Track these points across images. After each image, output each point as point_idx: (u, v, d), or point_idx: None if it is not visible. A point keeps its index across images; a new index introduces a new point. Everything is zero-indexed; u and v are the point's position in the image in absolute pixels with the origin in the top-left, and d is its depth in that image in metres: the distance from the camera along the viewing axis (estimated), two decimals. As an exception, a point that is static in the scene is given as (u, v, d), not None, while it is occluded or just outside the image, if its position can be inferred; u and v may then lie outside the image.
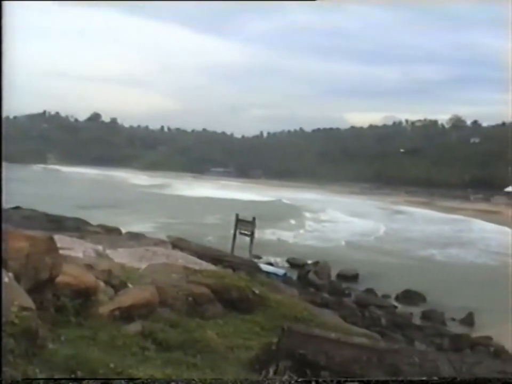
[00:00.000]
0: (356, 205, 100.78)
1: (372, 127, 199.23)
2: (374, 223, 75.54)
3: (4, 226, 6.29)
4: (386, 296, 35.35)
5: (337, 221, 75.68)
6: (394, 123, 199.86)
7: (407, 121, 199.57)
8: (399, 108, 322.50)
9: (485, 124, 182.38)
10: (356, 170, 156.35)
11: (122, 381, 5.85)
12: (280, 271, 34.63)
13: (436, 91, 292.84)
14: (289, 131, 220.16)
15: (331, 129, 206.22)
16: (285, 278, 32.84)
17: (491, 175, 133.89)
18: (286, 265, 41.92)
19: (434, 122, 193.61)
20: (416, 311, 32.36)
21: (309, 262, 41.71)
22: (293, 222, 68.37)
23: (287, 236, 57.02)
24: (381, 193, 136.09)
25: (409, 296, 34.91)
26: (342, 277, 39.81)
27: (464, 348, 24.45)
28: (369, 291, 36.07)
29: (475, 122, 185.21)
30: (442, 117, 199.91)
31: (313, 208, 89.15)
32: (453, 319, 31.55)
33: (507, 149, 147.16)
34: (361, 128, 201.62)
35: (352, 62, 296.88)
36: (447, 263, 48.46)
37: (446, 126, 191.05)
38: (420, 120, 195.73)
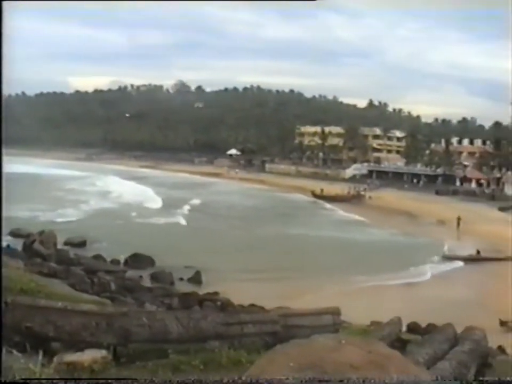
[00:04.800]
0: (86, 171, 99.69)
1: (97, 91, 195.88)
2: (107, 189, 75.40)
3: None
4: (115, 262, 35.43)
5: (65, 189, 74.07)
6: (119, 87, 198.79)
7: (132, 85, 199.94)
8: (124, 72, 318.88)
9: (208, 89, 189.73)
10: (81, 136, 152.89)
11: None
12: (2, 244, 33.01)
13: (161, 56, 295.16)
14: (10, 95, 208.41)
15: (55, 93, 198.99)
16: (8, 250, 31.41)
17: (214, 138, 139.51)
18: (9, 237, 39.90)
19: (160, 87, 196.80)
20: (145, 274, 32.89)
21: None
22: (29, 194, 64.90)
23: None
24: (109, 159, 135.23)
25: (138, 260, 35.31)
26: (69, 244, 39.18)
27: (192, 305, 25.38)
28: (98, 257, 35.89)
29: (199, 88, 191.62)
30: (167, 82, 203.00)
31: (42, 177, 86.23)
32: (181, 279, 32.66)
33: (229, 113, 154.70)
34: (86, 92, 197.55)
35: (74, 24, 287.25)
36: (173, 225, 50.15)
37: (171, 91, 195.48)
38: (145, 85, 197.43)
